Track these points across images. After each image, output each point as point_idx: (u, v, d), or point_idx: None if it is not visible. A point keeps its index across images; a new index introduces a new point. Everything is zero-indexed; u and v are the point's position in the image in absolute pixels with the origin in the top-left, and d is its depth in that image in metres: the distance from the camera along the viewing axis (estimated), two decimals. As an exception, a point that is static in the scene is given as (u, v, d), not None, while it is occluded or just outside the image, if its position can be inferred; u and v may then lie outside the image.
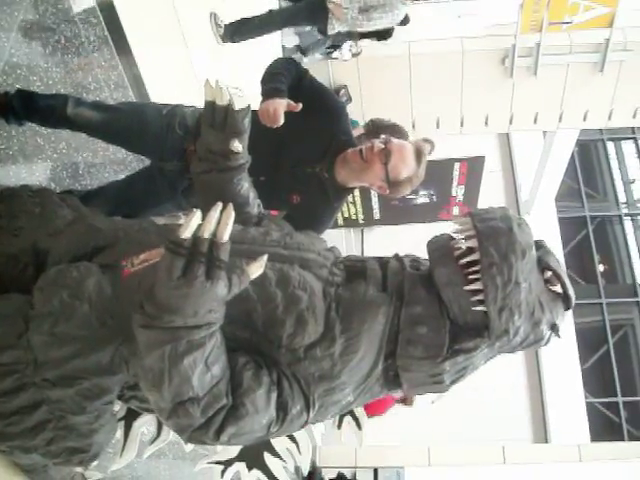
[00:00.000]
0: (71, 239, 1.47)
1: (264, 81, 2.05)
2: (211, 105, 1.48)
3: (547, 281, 1.26)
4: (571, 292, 1.27)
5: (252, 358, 1.20)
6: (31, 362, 1.24)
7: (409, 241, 6.98)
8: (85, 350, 1.24)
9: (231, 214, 1.07)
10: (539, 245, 1.28)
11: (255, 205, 1.67)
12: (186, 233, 1.04)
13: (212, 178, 1.58)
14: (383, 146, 2.00)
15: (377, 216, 6.70)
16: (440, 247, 1.28)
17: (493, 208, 1.27)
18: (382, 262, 1.38)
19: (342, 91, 7.59)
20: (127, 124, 2.20)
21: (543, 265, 1.25)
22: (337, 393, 1.22)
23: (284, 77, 2.04)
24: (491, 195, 8.28)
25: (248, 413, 1.13)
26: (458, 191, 6.48)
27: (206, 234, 1.05)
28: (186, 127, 2.18)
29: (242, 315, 1.21)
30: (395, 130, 3.79)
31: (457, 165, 6.36)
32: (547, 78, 7.16)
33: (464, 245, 1.23)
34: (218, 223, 1.07)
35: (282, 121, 1.85)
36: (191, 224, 1.05)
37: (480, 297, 1.18)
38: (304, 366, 1.20)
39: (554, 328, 1.25)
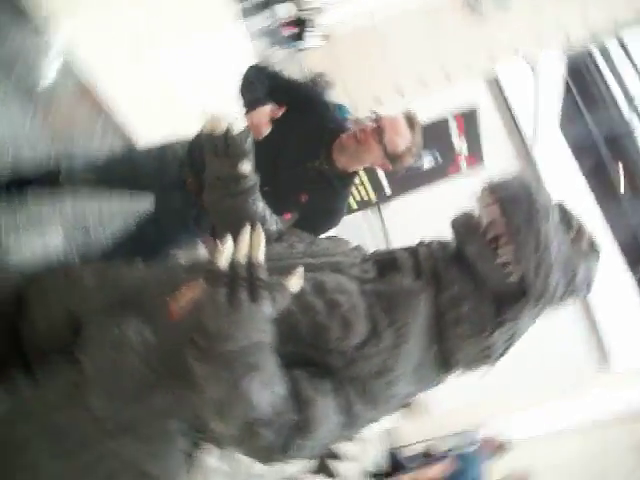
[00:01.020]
0: (101, 296, 1.48)
1: (242, 93, 2.06)
2: (210, 135, 1.49)
3: (573, 240, 1.27)
4: (597, 243, 1.28)
5: (304, 370, 1.21)
6: (90, 421, 1.25)
7: (427, 206, 6.99)
8: (140, 397, 1.26)
9: (261, 235, 1.10)
10: (558, 206, 1.28)
11: (273, 222, 1.68)
12: (223, 261, 1.06)
13: (227, 204, 1.59)
14: (375, 124, 2.01)
15: (388, 191, 6.69)
16: (464, 224, 1.28)
17: (508, 176, 1.27)
18: (411, 250, 1.38)
19: (319, 79, 7.56)
20: (121, 176, 2.23)
21: (566, 225, 1.26)
22: (395, 386, 1.23)
23: (260, 84, 2.04)
24: (494, 140, 8.19)
25: (316, 424, 1.14)
26: (461, 146, 6.44)
27: (242, 258, 1.07)
28: (180, 160, 2.19)
29: (286, 330, 1.21)
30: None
31: (452, 121, 6.32)
32: (518, 7, 7.07)
33: (487, 219, 1.23)
34: (250, 246, 1.09)
35: (268, 129, 1.85)
36: (225, 252, 1.07)
37: (513, 267, 1.19)
38: (358, 366, 1.20)
39: (588, 280, 1.26)
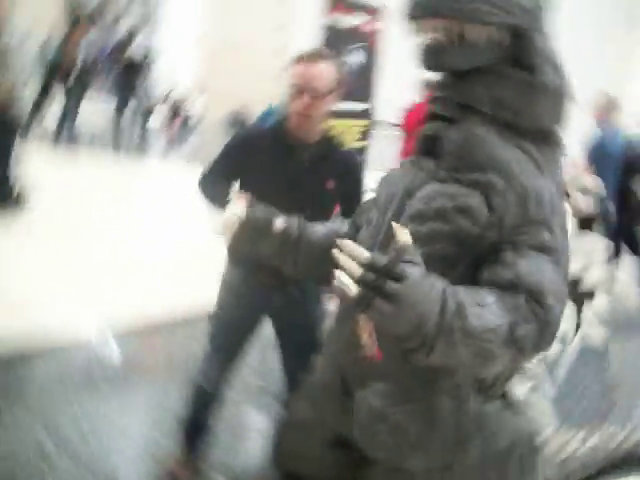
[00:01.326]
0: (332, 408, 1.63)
1: (208, 200, 2.29)
2: (232, 235, 1.64)
3: None
4: None
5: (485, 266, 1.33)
6: None
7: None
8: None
9: (350, 243, 1.18)
10: None
11: (340, 225, 1.80)
12: (351, 288, 1.13)
13: (303, 258, 1.70)
14: (293, 85, 2.14)
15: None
16: None
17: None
18: None
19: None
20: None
21: None
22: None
23: (212, 187, 2.29)
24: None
25: (536, 284, 1.24)
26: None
27: (364, 260, 1.14)
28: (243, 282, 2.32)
29: (451, 246, 1.35)
30: None
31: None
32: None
33: None
34: (352, 254, 1.16)
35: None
36: (342, 277, 1.14)
37: None
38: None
39: None
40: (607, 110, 5.77)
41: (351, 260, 1.15)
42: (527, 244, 1.31)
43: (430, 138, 1.52)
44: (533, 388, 1.91)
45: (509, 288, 1.25)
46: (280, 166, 2.20)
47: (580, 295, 1.78)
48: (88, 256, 4.88)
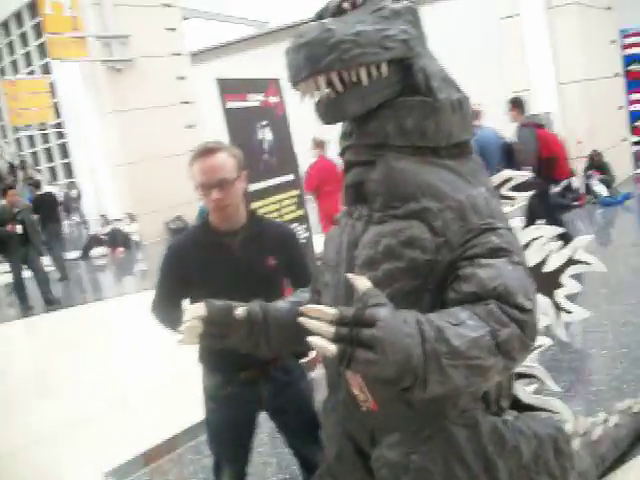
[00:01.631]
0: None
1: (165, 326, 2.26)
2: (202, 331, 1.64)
3: None
4: None
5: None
6: None
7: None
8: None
9: (314, 306, 1.19)
10: None
11: (302, 293, 1.84)
12: (329, 348, 1.13)
13: (276, 334, 1.72)
14: (198, 185, 2.13)
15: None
16: None
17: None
18: None
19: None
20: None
21: None
22: None
23: (166, 314, 2.26)
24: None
25: (498, 285, 1.27)
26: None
27: (332, 316, 1.16)
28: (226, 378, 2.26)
29: (410, 282, 1.38)
30: None
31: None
32: None
33: None
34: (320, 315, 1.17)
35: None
36: (321, 331, 1.14)
37: None
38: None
39: None
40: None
41: (320, 321, 1.15)
42: (479, 254, 1.33)
43: (354, 186, 1.54)
44: (537, 390, 1.91)
45: (477, 300, 1.26)
46: (216, 262, 2.18)
47: (548, 285, 1.80)
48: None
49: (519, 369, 1.73)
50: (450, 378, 1.19)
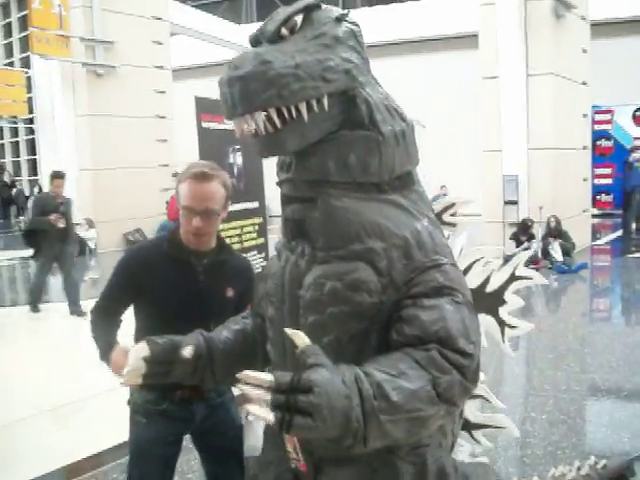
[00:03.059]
0: None
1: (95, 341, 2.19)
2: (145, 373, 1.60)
3: None
4: None
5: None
6: None
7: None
8: None
9: (251, 373, 1.16)
10: None
11: (243, 320, 1.80)
12: (268, 417, 1.11)
13: (217, 363, 1.67)
14: (184, 207, 2.09)
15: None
16: None
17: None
18: None
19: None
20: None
21: None
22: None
23: (103, 325, 2.21)
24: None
25: (442, 327, 1.26)
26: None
27: (269, 384, 1.13)
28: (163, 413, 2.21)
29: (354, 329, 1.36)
30: None
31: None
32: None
33: None
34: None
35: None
36: (259, 398, 1.13)
37: None
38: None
39: None
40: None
41: (257, 388, 1.13)
42: (423, 293, 1.32)
43: (295, 222, 1.49)
44: (487, 406, 1.91)
45: (418, 344, 1.25)
46: (177, 277, 2.14)
47: (492, 303, 1.82)
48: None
49: None
50: (390, 433, 1.18)
